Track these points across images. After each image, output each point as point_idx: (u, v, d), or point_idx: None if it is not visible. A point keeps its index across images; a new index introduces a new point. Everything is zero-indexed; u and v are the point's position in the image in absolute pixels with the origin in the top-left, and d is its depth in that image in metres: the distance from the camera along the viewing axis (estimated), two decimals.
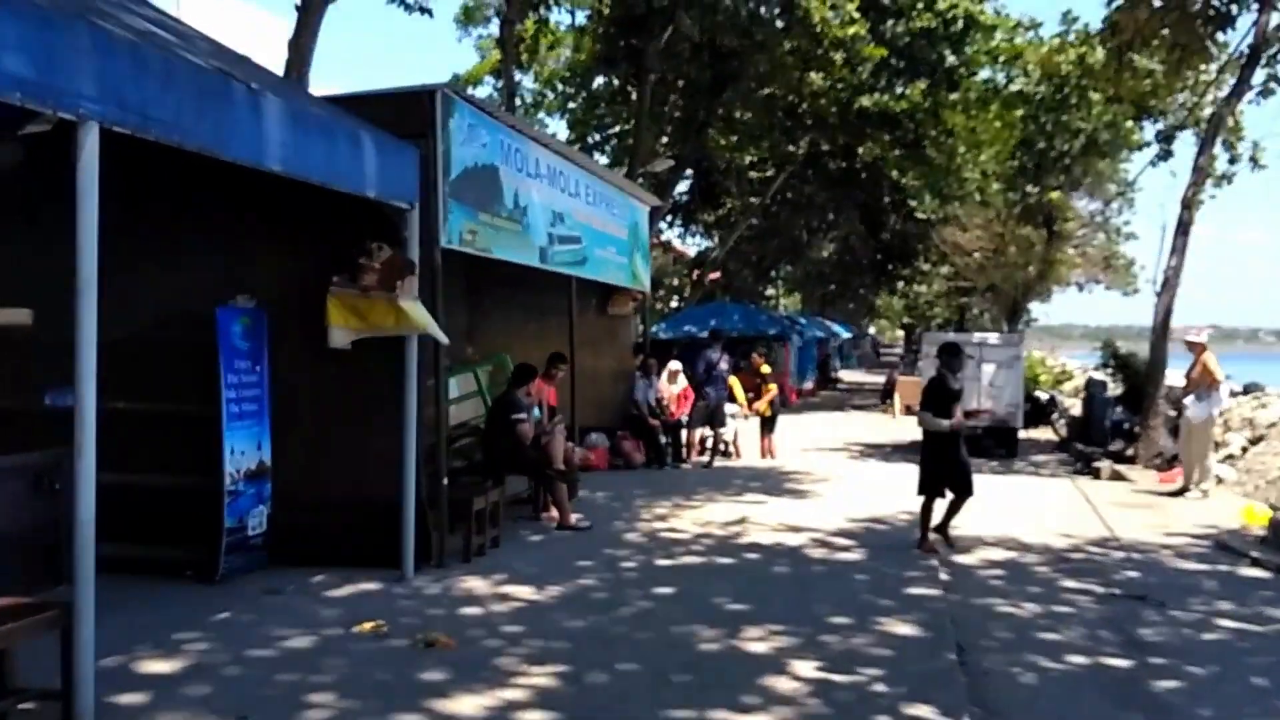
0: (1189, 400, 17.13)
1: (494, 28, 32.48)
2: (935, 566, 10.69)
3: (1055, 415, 29.23)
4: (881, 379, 43.57)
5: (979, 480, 17.39)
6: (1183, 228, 21.00)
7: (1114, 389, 26.64)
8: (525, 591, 9.13)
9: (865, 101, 31.14)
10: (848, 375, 62.06)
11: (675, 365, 19.52)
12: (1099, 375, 30.70)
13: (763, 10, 27.48)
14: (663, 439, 18.01)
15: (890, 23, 29.21)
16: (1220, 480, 17.69)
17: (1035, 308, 46.82)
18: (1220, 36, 22.12)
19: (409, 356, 9.40)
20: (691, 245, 49.06)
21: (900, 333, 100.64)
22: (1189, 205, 21.06)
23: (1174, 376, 22.25)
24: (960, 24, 29.40)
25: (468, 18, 37.12)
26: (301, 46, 16.27)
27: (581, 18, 31.17)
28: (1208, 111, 24.45)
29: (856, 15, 26.42)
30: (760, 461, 19.60)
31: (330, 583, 9.19)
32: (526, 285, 14.60)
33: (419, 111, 9.73)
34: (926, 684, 6.90)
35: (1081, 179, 36.28)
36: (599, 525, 12.25)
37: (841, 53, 29.24)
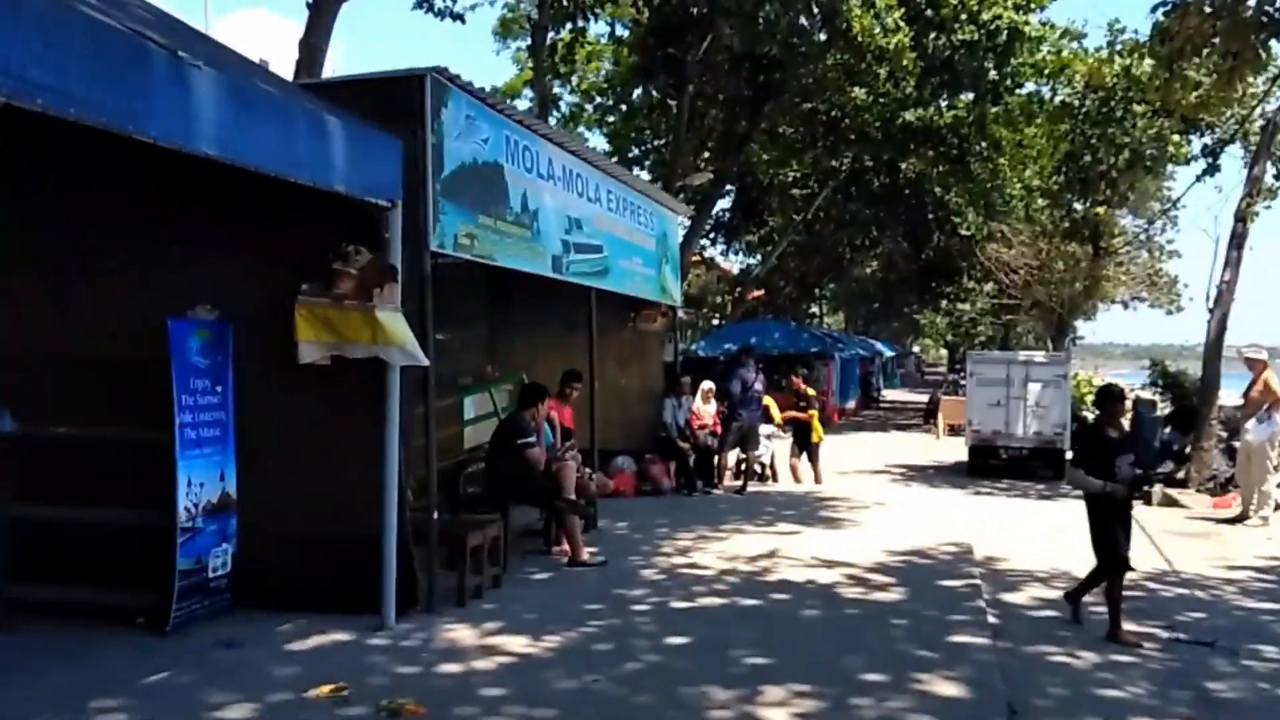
0: (1249, 422, 15.67)
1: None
2: (982, 609, 9.26)
3: None
4: (925, 398, 42.06)
5: (1024, 506, 16.12)
6: (1236, 241, 19.61)
7: (1162, 408, 25.05)
8: (518, 643, 7.79)
9: (909, 116, 29.82)
10: (891, 394, 60.38)
11: (709, 385, 18.14)
12: (1146, 394, 29.19)
13: (804, 21, 26.24)
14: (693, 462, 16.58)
15: (933, 35, 27.86)
16: None
17: (1081, 326, 45.33)
18: (1275, 45, 20.62)
19: (390, 375, 8.10)
20: (734, 263, 47.84)
21: (944, 351, 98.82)
22: (1243, 218, 19.60)
23: (1227, 395, 20.93)
24: (1004, 36, 28.04)
25: (505, 30, 36.02)
26: (313, 46, 15.26)
27: (621, 30, 29.96)
28: (1258, 124, 23.08)
29: (901, 23, 24.98)
30: (796, 486, 18.08)
31: (298, 632, 7.90)
32: (552, 299, 13.41)
33: (405, 99, 8.41)
34: None
35: (1127, 194, 34.80)
36: (615, 560, 10.89)
37: (885, 66, 27.98)
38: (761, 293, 46.37)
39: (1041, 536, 13.87)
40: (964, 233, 36.49)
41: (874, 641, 8.10)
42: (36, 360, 8.33)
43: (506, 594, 9.42)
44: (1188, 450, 20.29)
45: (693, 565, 10.77)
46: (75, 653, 7.16)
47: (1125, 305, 45.76)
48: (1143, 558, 12.28)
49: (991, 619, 9.02)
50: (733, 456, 17.49)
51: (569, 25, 26.25)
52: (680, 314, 46.27)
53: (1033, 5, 28.17)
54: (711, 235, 42.94)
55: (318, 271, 7.96)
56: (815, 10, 25.03)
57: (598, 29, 30.65)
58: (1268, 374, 15.58)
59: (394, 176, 7.92)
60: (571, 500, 10.49)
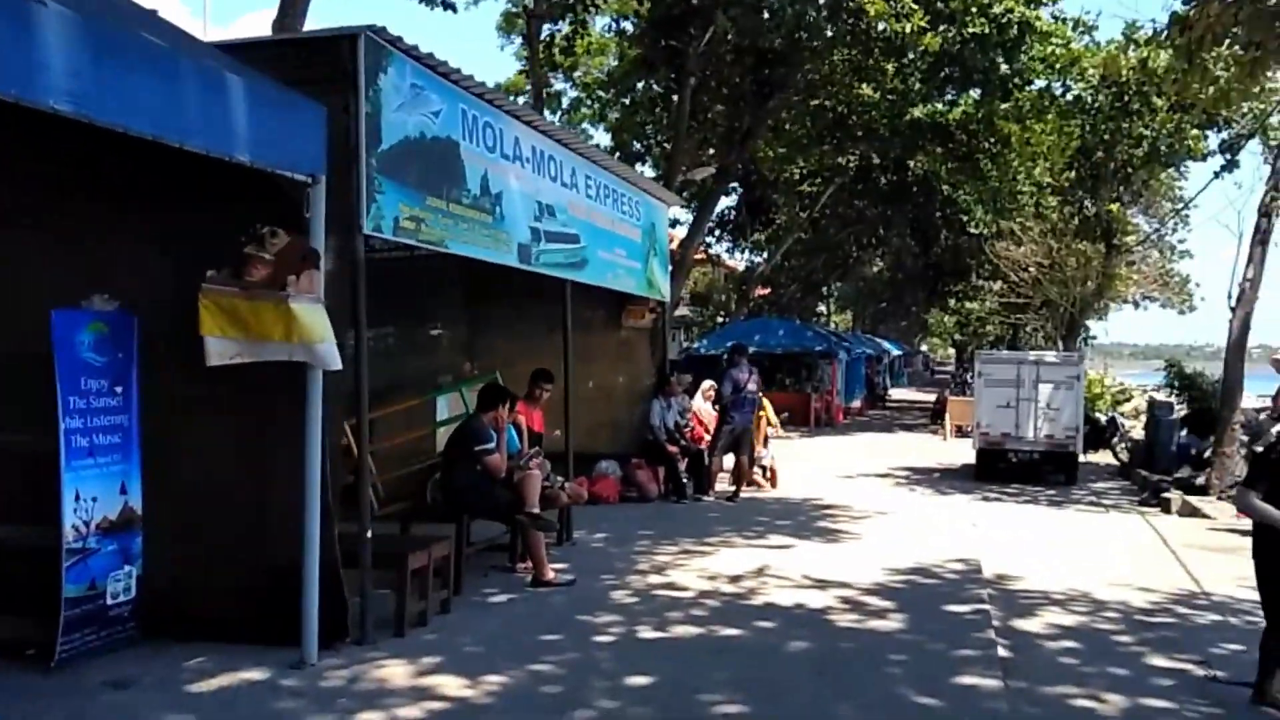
0: (1277, 427, 14.46)
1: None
2: (992, 641, 8.08)
3: (1115, 439, 26.34)
4: (933, 397, 40.86)
5: (1034, 514, 14.95)
6: (1260, 237, 18.41)
7: (1178, 411, 23.83)
8: (455, 685, 6.64)
9: (917, 112, 28.71)
10: (898, 393, 59.13)
11: (710, 384, 16.95)
12: (1160, 396, 28.01)
13: (809, 14, 25.11)
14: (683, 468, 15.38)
15: (943, 28, 26.71)
16: None
17: (1093, 325, 44.14)
18: None
19: (311, 376, 6.95)
20: (741, 261, 46.65)
21: (952, 350, 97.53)
22: (1268, 213, 18.37)
23: (1249, 399, 19.78)
24: (1015, 30, 26.87)
25: (509, 25, 34.81)
26: (286, 28, 14.16)
27: (624, 23, 28.86)
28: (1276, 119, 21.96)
29: (915, 6, 23.76)
30: (793, 493, 16.69)
31: (206, 669, 6.76)
32: (535, 295, 12.39)
33: (334, 61, 7.27)
34: None
35: (1141, 191, 33.62)
36: (585, 578, 9.70)
37: (893, 61, 26.86)
38: (767, 291, 45.31)
39: (1054, 549, 12.70)
40: (973, 230, 35.30)
41: (868, 684, 6.93)
42: None
43: (455, 620, 8.23)
44: (1206, 454, 19.11)
45: (670, 585, 9.58)
46: None
47: (1136, 305, 44.69)
48: (1167, 576, 11.21)
49: (1003, 651, 7.85)
50: (722, 462, 16.20)
51: (569, 17, 25.20)
52: (686, 312, 45.75)
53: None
54: (717, 233, 42.15)
55: (233, 258, 6.83)
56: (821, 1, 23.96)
57: (602, 21, 29.74)
58: None
59: (315, 148, 6.78)
60: (535, 514, 9.27)
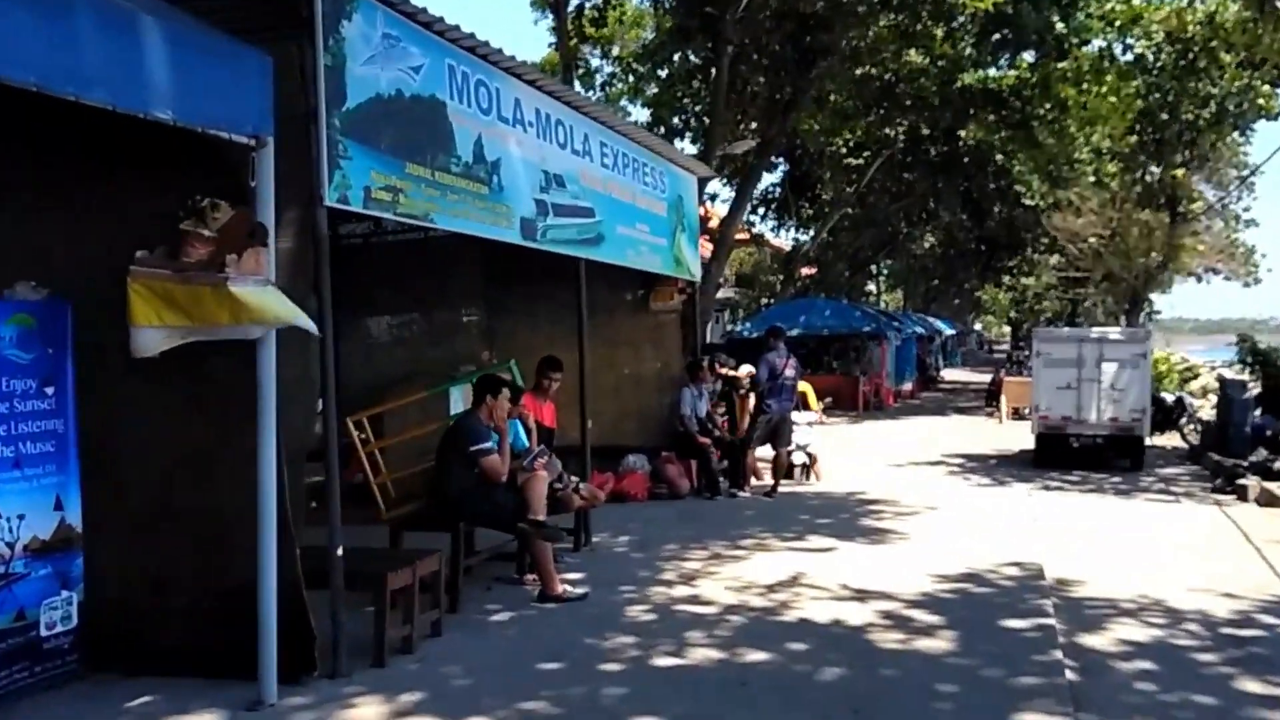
0: None
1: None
2: (1059, 663, 7.09)
3: (1184, 420, 25.12)
4: (987, 379, 39.71)
5: (1099, 505, 13.95)
6: None
7: (1252, 389, 22.61)
8: None
9: (967, 79, 27.66)
10: (951, 374, 57.76)
11: (749, 368, 15.98)
12: (1230, 373, 26.75)
13: None
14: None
15: None
16: None
17: (1156, 299, 42.88)
18: None
19: (262, 368, 6.08)
20: (787, 240, 45.56)
21: (1007, 328, 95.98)
22: None
23: None
24: None
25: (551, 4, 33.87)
26: None
27: None
28: None
29: None
30: (838, 486, 15.62)
31: (152, 711, 5.94)
32: (559, 276, 11.48)
33: (285, 5, 6.38)
34: None
35: (1207, 155, 32.31)
36: (600, 590, 8.81)
37: (942, 26, 25.78)
38: (814, 270, 44.24)
39: (1123, 546, 11.70)
40: (1028, 202, 34.24)
41: None
42: None
43: (446, 645, 7.34)
44: None
45: (695, 598, 8.63)
46: None
47: (1199, 278, 43.39)
48: (1251, 578, 10.17)
49: (1070, 675, 6.89)
50: (758, 454, 15.21)
51: None
52: (730, 294, 44.77)
53: None
54: (761, 211, 41.31)
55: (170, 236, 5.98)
56: None
57: None
58: None
59: (259, 104, 5.87)
60: (539, 521, 8.31)
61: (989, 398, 33.44)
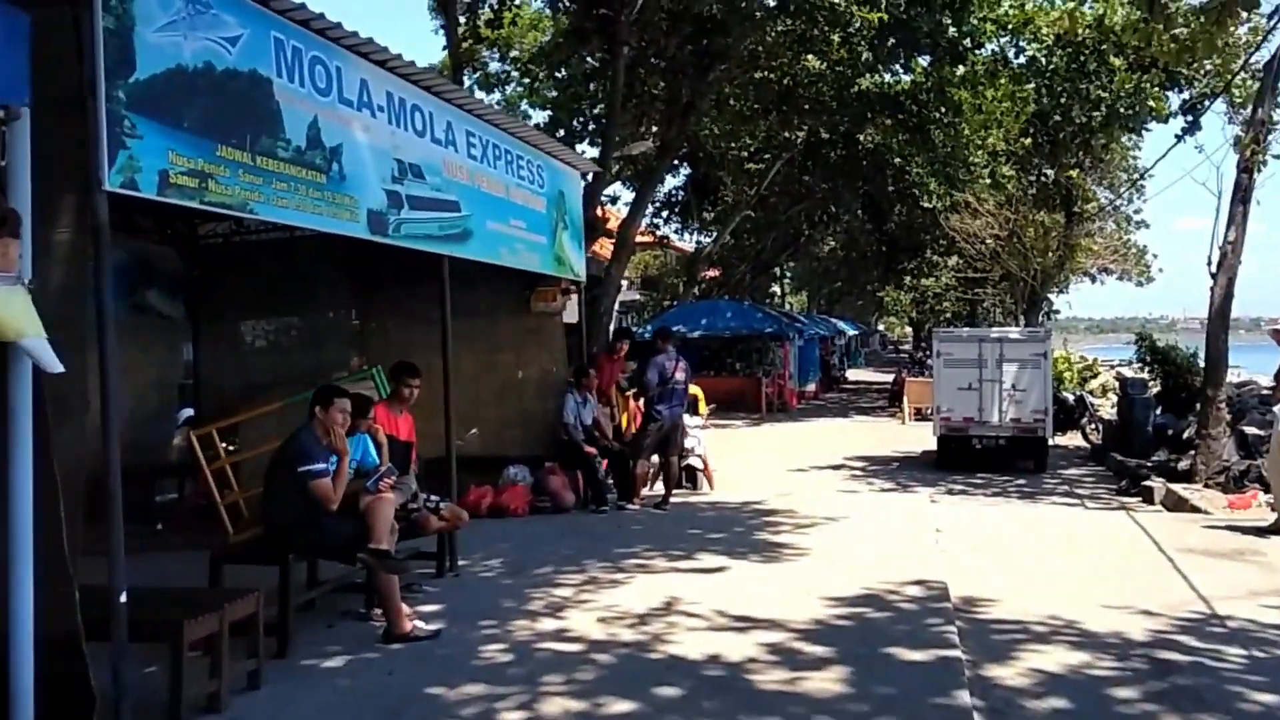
0: (1278, 407, 12.68)
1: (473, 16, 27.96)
2: (966, 710, 6.08)
3: (1085, 419, 24.61)
4: (890, 378, 39.22)
5: (1004, 510, 13.23)
6: (1241, 195, 16.49)
7: (1152, 388, 22.09)
8: None
9: (865, 83, 27.26)
10: (856, 375, 57.35)
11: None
12: (1129, 372, 26.32)
13: None
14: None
15: None
16: None
17: (1054, 299, 42.82)
18: None
19: (16, 381, 4.95)
20: (690, 242, 44.84)
21: (909, 329, 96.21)
22: (1249, 168, 16.47)
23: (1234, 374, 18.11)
24: None
25: (440, 2, 32.69)
26: None
27: None
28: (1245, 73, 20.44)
29: None
30: (734, 495, 14.61)
31: None
32: (440, 278, 10.11)
33: None
34: None
35: (1101, 156, 32.04)
36: (457, 626, 7.73)
37: (838, 31, 25.13)
38: (718, 272, 43.58)
39: (1030, 558, 10.85)
40: (926, 204, 33.77)
41: None
42: None
43: (262, 701, 6.20)
44: (1186, 435, 17.34)
45: (560, 633, 7.54)
46: None
47: (1094, 278, 43.47)
48: (1167, 592, 9.33)
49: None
50: (647, 465, 14.04)
51: None
52: (636, 296, 43.99)
53: None
54: (666, 214, 40.88)
55: None
56: None
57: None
58: None
59: (10, 70, 4.80)
60: (380, 550, 7.19)
61: (892, 398, 33.06)
